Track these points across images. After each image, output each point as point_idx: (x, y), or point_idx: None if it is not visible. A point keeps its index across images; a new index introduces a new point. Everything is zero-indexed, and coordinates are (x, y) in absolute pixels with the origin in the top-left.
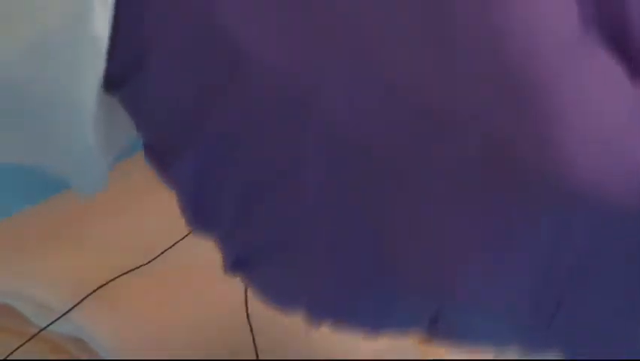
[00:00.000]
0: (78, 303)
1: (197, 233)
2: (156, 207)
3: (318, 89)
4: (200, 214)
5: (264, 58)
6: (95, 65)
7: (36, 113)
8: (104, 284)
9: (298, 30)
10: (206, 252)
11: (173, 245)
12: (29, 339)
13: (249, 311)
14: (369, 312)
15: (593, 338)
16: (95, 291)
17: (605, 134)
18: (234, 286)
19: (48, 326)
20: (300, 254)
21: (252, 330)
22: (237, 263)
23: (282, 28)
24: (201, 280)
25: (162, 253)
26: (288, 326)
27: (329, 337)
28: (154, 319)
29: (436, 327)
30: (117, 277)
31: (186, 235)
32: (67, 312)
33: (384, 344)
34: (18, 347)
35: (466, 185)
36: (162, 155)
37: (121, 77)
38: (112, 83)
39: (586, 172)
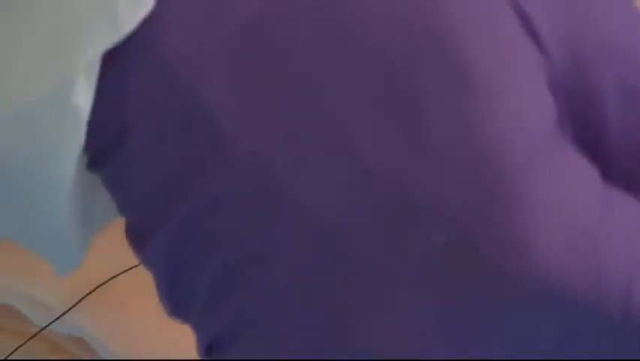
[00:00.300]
0: (78, 302)
1: (173, 317)
2: None
3: (292, 175)
4: (174, 299)
5: (241, 140)
6: (76, 137)
7: (14, 183)
8: (103, 283)
9: (276, 118)
10: None
11: None
12: (29, 339)
13: None
14: None
15: None
16: (94, 291)
17: (576, 232)
18: None
19: (48, 325)
20: (269, 339)
21: None
22: (210, 349)
23: (261, 113)
24: None
25: None
26: None
27: None
28: (153, 318)
29: None
30: (116, 277)
31: None
32: (67, 311)
33: None
34: (18, 347)
35: (430, 278)
36: (139, 235)
37: (103, 154)
38: (95, 160)
39: (553, 271)
